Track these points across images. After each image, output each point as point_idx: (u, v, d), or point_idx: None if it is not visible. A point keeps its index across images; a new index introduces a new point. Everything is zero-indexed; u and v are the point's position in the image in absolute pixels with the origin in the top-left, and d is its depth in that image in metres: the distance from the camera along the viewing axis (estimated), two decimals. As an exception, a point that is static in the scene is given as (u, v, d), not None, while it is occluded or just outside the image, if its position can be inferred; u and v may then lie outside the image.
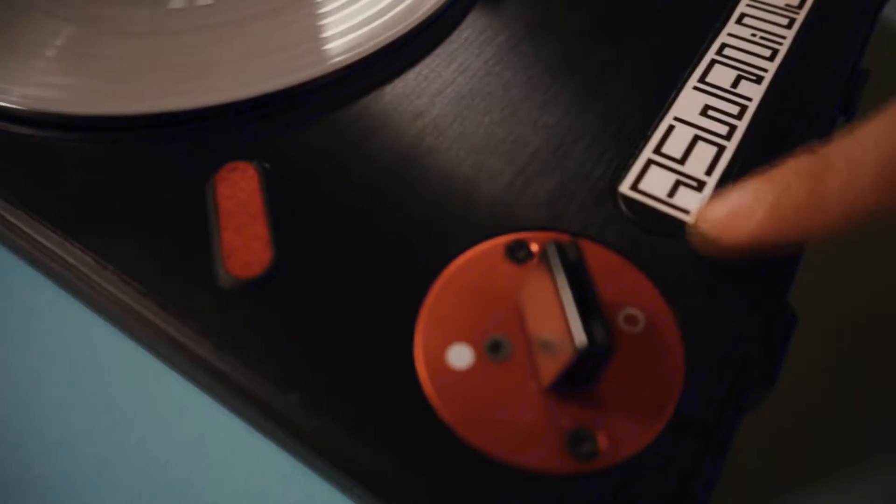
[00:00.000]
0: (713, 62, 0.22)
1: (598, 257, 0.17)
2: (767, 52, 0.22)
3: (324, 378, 0.15)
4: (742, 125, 0.20)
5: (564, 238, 0.15)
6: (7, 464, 0.17)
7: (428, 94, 0.20)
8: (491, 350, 0.15)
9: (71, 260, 0.16)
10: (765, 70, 0.21)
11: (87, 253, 0.16)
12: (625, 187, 0.18)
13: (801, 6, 0.24)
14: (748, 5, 0.24)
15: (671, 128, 0.20)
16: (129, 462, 0.18)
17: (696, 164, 0.19)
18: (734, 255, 0.16)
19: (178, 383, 0.18)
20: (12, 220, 0.17)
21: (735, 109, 0.20)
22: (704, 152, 0.19)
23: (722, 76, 0.21)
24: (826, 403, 0.20)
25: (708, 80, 0.21)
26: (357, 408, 0.14)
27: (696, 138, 0.19)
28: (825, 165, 0.15)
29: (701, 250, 0.17)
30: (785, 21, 0.23)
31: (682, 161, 0.19)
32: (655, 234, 0.17)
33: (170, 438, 0.18)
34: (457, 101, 0.20)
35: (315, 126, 0.19)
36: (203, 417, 0.18)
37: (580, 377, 0.14)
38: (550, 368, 0.14)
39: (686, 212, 0.18)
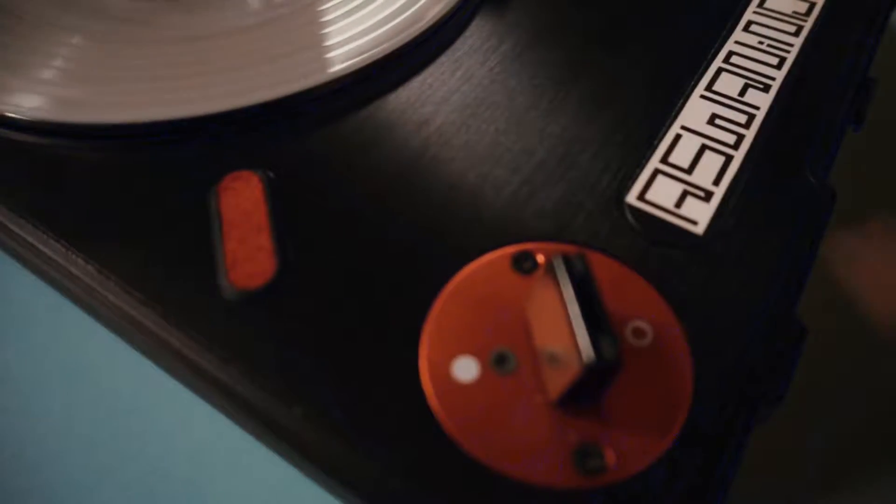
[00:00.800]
0: (720, 70, 0.21)
1: (604, 268, 0.16)
2: (775, 60, 0.22)
3: (328, 391, 0.14)
4: (750, 134, 0.20)
5: (571, 250, 0.15)
6: (9, 472, 0.17)
7: (433, 102, 0.20)
8: (496, 363, 0.15)
9: (73, 270, 0.16)
10: (772, 78, 0.21)
11: (90, 263, 0.16)
12: (632, 197, 0.18)
13: (808, 13, 0.24)
14: (755, 12, 0.24)
15: (678, 137, 0.19)
16: (131, 470, 0.17)
17: (704, 174, 0.19)
18: None
19: (182, 391, 0.18)
20: (14, 228, 0.17)
21: (743, 118, 0.20)
22: (712, 162, 0.19)
23: (729, 84, 0.21)
24: (836, 414, 0.20)
25: (715, 88, 0.21)
26: (361, 421, 0.14)
27: (703, 147, 0.19)
28: None
29: None
30: (792, 28, 0.23)
31: (689, 171, 0.19)
32: (663, 244, 0.17)
33: (173, 447, 0.18)
34: (462, 109, 0.20)
35: (319, 135, 0.19)
36: (206, 426, 0.18)
37: (587, 392, 0.13)
38: (557, 383, 0.14)
39: (694, 222, 0.17)
